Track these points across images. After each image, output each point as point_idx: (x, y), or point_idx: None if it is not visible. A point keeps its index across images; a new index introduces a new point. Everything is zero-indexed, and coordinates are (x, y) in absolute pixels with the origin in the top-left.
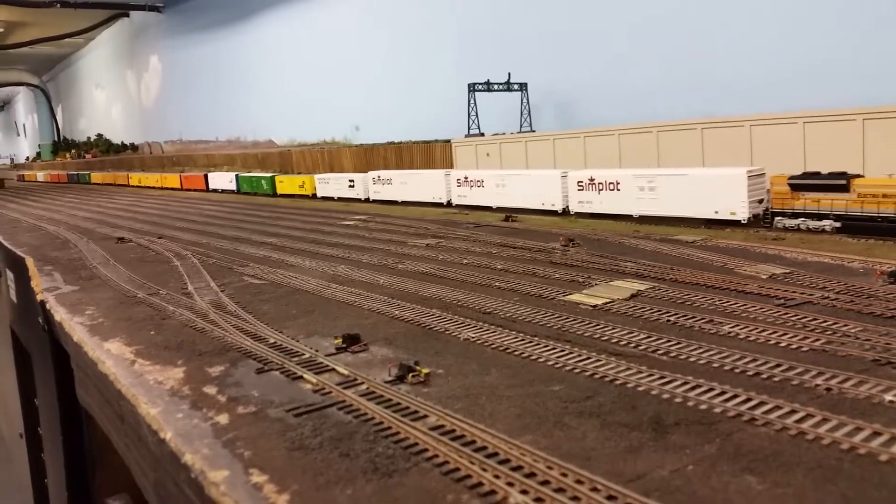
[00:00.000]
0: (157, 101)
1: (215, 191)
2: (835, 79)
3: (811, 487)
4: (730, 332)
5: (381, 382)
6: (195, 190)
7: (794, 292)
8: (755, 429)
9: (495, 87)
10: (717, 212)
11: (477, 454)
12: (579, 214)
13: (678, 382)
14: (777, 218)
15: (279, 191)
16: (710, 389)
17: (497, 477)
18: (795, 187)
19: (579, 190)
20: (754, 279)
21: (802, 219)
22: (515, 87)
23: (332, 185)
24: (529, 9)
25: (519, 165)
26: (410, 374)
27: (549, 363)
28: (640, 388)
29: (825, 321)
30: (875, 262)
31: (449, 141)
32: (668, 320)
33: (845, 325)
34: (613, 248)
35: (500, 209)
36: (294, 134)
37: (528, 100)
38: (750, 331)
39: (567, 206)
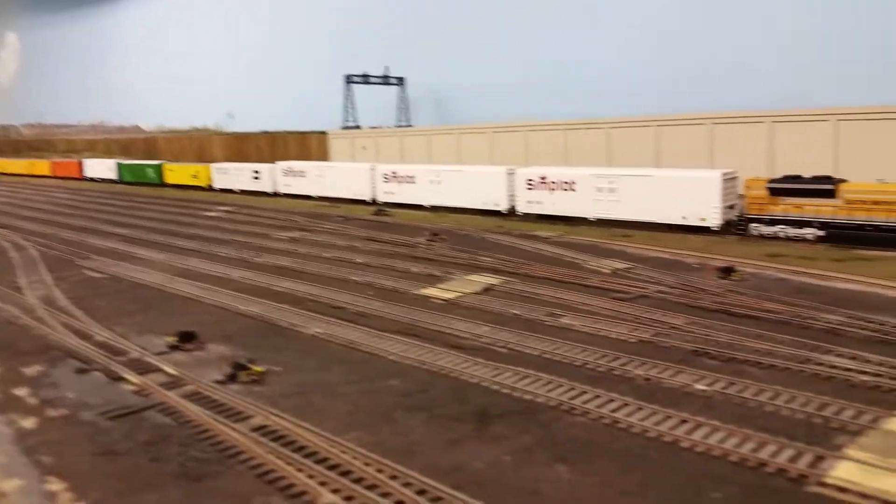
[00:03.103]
0: (14, 80)
1: (92, 180)
2: (688, 86)
3: (616, 474)
4: (567, 325)
5: (211, 382)
6: (69, 178)
7: (632, 286)
8: (573, 418)
9: (373, 79)
10: (685, 217)
11: (296, 454)
12: (528, 216)
13: (509, 374)
14: (753, 225)
15: (168, 180)
16: (538, 380)
17: (311, 477)
18: (775, 192)
19: (529, 189)
20: (598, 273)
21: (781, 226)
22: (393, 80)
23: (231, 175)
24: (410, 3)
25: (394, 160)
26: (243, 373)
27: (392, 358)
28: (473, 381)
29: (656, 314)
30: (710, 258)
31: (325, 132)
32: (513, 314)
33: (673, 318)
34: (475, 243)
35: (435, 209)
36: (163, 120)
37: (405, 94)
38: (585, 323)
39: (514, 207)
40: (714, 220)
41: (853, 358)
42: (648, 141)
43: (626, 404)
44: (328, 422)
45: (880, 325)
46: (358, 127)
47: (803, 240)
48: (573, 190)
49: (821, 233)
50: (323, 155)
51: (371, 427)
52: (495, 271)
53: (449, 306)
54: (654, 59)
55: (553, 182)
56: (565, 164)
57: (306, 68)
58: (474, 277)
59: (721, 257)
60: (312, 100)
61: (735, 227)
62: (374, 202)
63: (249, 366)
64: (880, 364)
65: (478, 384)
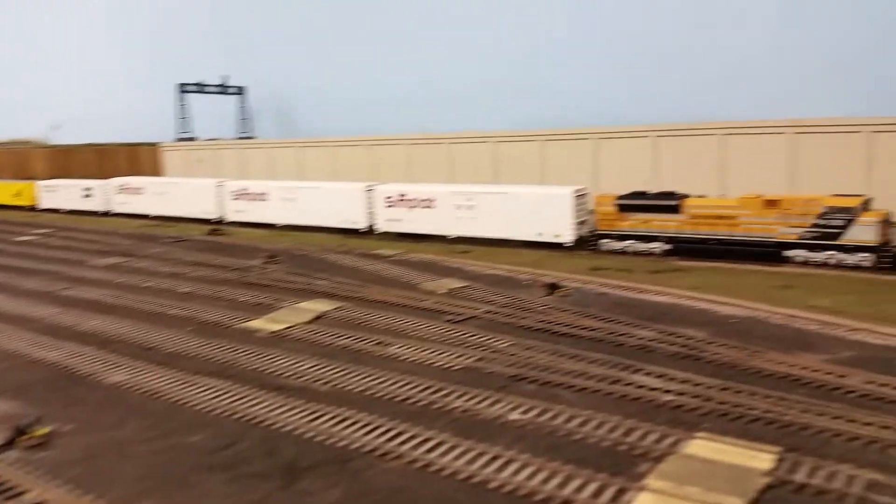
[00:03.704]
0: None
1: None
2: (520, 101)
3: None
4: (395, 354)
5: None
6: None
7: (464, 307)
8: (386, 464)
9: (209, 88)
10: (540, 234)
11: None
12: (388, 234)
13: (327, 417)
14: (604, 240)
15: None
16: (356, 422)
17: None
18: (623, 208)
19: (388, 206)
20: (433, 294)
21: (631, 241)
22: (233, 89)
23: (60, 193)
24: (250, 8)
25: (234, 174)
26: (23, 437)
27: (199, 407)
28: (287, 429)
29: (482, 336)
30: (541, 274)
31: (155, 145)
32: (341, 344)
33: (498, 341)
34: (314, 265)
35: (289, 228)
36: None
37: (246, 104)
38: (413, 351)
39: (373, 225)
40: (567, 236)
41: (661, 376)
42: (486, 157)
43: (441, 443)
44: (115, 490)
45: (687, 339)
46: (193, 139)
47: (651, 254)
48: (432, 207)
49: (668, 247)
50: (155, 169)
51: (162, 494)
52: (330, 296)
53: (275, 340)
54: (494, 77)
55: (412, 200)
56: (410, 180)
57: (137, 76)
58: (306, 305)
59: (550, 273)
60: (146, 110)
61: (587, 242)
62: (221, 222)
63: (29, 431)
64: (684, 381)
65: (291, 432)
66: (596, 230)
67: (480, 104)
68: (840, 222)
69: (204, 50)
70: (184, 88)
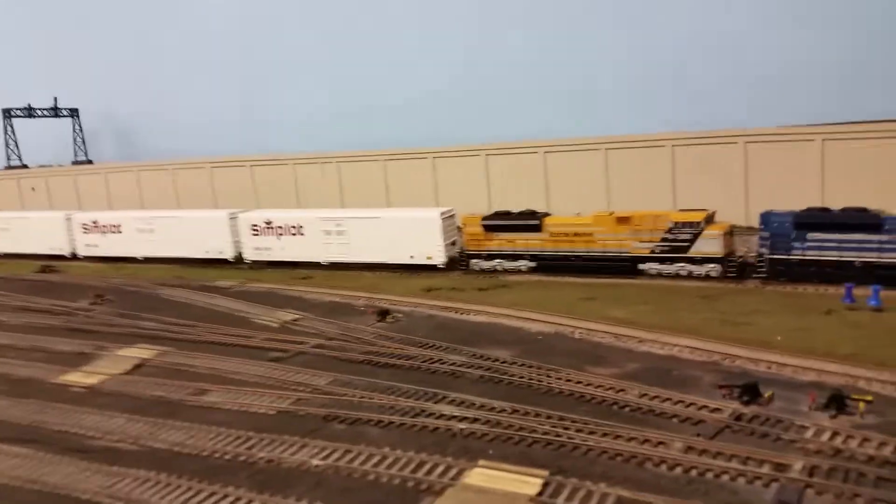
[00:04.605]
0: None
1: None
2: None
3: None
4: (211, 403)
5: None
6: None
7: (292, 342)
8: None
9: (39, 112)
10: (412, 257)
11: None
12: (256, 263)
13: (128, 481)
14: (473, 260)
15: None
16: (156, 484)
17: None
18: (489, 228)
19: (254, 235)
20: (266, 329)
21: (498, 260)
22: (64, 112)
23: None
24: (80, 27)
25: (69, 202)
26: None
27: None
28: (85, 497)
29: (305, 375)
30: (377, 298)
31: None
32: (157, 396)
33: (319, 378)
34: (144, 303)
35: (150, 261)
36: None
37: (80, 127)
38: (231, 397)
39: (241, 254)
40: (439, 258)
41: (461, 403)
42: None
43: (236, 500)
44: None
45: (493, 362)
46: (25, 166)
47: (518, 271)
48: (302, 234)
49: (532, 264)
50: None
51: None
52: (155, 339)
53: (88, 395)
54: (323, 102)
55: (280, 227)
56: (256, 205)
57: None
58: (128, 351)
59: (385, 297)
60: None
61: (458, 263)
62: (73, 256)
63: None
64: (480, 407)
65: (89, 501)
66: (464, 250)
67: (318, 126)
68: (687, 236)
69: (31, 72)
70: (9, 113)
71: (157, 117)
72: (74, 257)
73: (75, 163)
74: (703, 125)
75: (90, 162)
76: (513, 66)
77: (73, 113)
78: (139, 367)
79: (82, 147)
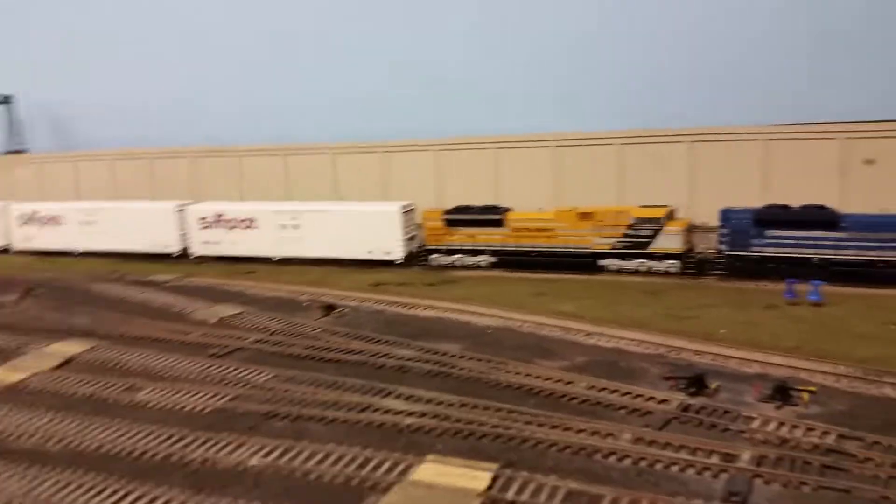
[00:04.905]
0: None
1: None
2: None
3: None
4: (143, 401)
5: None
6: None
7: (231, 338)
8: None
9: None
10: (370, 252)
11: None
12: (204, 258)
13: (49, 484)
14: (433, 256)
15: None
16: (80, 486)
17: None
18: (451, 223)
19: (203, 228)
20: (202, 325)
21: (459, 255)
22: None
23: None
24: (10, 11)
25: (2, 193)
26: None
27: None
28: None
29: (243, 371)
30: (322, 294)
31: None
32: (85, 394)
33: (259, 374)
34: (76, 297)
35: (90, 255)
36: None
37: (14, 114)
38: (164, 395)
39: (188, 249)
40: (398, 253)
41: (409, 398)
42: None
43: (168, 501)
44: None
45: (441, 356)
46: None
47: (477, 267)
48: (254, 227)
49: (493, 259)
50: None
51: None
52: (86, 335)
53: (11, 393)
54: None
55: (230, 220)
56: (192, 196)
57: None
58: (56, 347)
59: (332, 291)
60: None
61: (418, 258)
62: (5, 251)
63: None
64: (428, 402)
65: None
66: (424, 245)
67: (265, 116)
68: (648, 232)
69: None
70: None
71: (99, 107)
72: (6, 251)
73: (8, 152)
74: (653, 123)
75: (24, 151)
76: (467, 64)
77: (7, 99)
78: (67, 363)
79: (16, 136)
